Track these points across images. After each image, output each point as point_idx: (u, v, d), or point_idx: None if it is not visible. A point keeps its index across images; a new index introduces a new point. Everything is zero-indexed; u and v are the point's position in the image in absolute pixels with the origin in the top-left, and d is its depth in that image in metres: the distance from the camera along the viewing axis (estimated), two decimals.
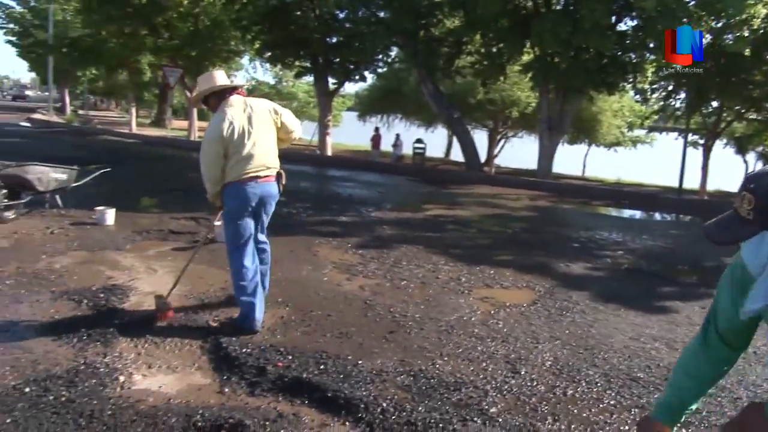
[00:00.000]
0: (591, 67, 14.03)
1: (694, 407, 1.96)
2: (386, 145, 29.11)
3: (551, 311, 5.44)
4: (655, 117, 22.77)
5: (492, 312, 5.32)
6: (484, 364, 4.16)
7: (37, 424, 3.09)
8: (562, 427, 3.35)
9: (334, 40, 19.24)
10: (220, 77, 4.70)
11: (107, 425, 3.11)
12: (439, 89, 17.13)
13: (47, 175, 7.99)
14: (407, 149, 27.45)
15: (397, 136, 28.54)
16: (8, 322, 4.46)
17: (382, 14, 16.85)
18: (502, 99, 24.55)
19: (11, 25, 37.17)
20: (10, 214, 7.74)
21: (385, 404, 3.47)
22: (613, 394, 3.81)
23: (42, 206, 8.44)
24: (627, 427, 3.42)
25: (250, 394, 3.62)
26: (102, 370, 3.76)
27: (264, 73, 41.11)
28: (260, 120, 4.56)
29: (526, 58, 16.03)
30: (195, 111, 27.59)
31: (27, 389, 3.45)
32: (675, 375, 1.97)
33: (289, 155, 22.29)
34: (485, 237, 9.04)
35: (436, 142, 33.25)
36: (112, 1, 20.58)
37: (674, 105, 19.99)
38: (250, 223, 4.64)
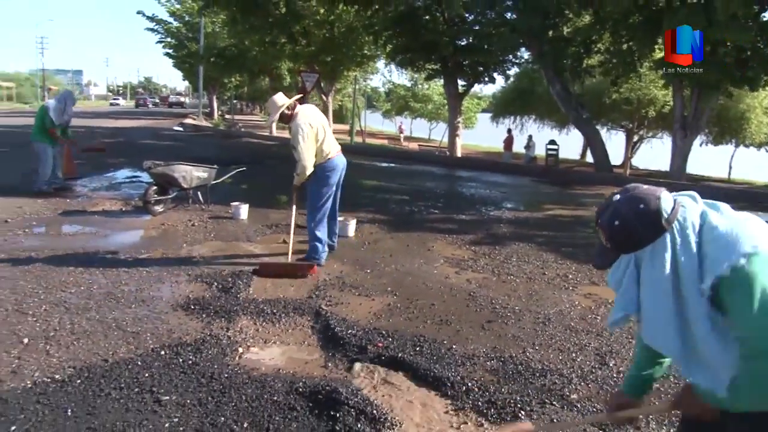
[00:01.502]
0: (728, 62, 13.30)
1: (658, 375, 2.09)
2: (519, 147, 28.94)
3: None
4: None
5: (592, 308, 5.40)
6: (573, 355, 4.30)
7: (168, 380, 3.64)
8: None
9: (463, 42, 19.46)
10: (281, 99, 6.29)
11: (223, 385, 3.59)
12: (567, 89, 16.85)
13: (190, 174, 8.84)
14: (540, 151, 27.13)
15: (530, 137, 28.28)
16: (151, 298, 5.14)
17: (509, 15, 16.86)
18: (637, 98, 23.71)
19: (169, 39, 40.37)
20: (159, 208, 8.67)
21: (470, 384, 3.72)
22: None
23: (186, 201, 9.35)
24: None
25: (350, 369, 4.00)
26: (224, 341, 4.29)
27: (399, 75, 41.91)
28: (322, 116, 6.46)
29: (658, 54, 15.44)
30: (331, 114, 28.78)
31: (162, 352, 4.03)
32: (636, 350, 2.13)
33: (418, 156, 22.84)
34: None
35: (571, 143, 32.57)
36: (255, 12, 21.91)
37: None
38: (332, 190, 6.43)
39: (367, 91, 49.89)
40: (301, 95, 7.12)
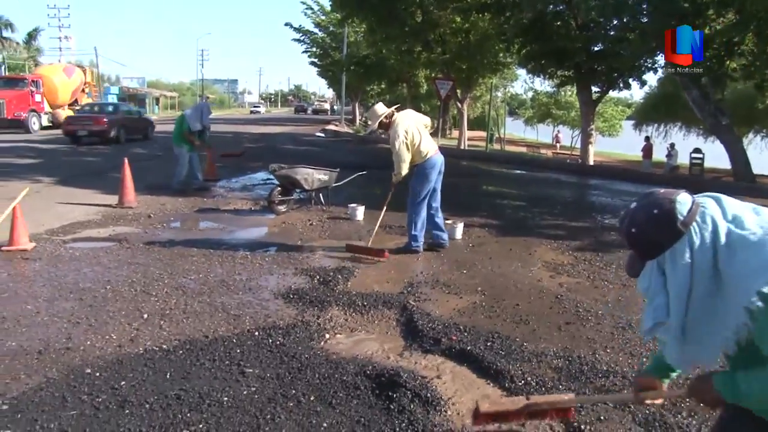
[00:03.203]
0: None
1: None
2: (662, 156, 27.67)
3: None
4: None
5: None
6: (644, 359, 4.31)
7: (256, 356, 4.12)
8: (693, 422, 3.47)
9: (597, 48, 19.00)
10: (381, 108, 7.14)
11: (302, 363, 4.02)
12: (705, 94, 16.00)
13: (312, 176, 9.48)
14: (684, 159, 25.77)
15: (671, 145, 26.98)
16: (258, 287, 5.72)
17: (644, 19, 16.24)
18: None
19: (314, 49, 42.45)
20: (282, 208, 9.38)
21: (529, 379, 3.90)
22: None
23: (308, 202, 10.02)
24: None
25: (422, 358, 4.29)
26: (313, 327, 4.74)
27: (542, 83, 40.66)
28: (418, 121, 7.09)
29: None
30: (465, 121, 28.99)
31: (256, 333, 4.54)
32: None
33: (549, 164, 22.55)
34: None
35: (721, 152, 30.68)
36: (391, 22, 22.62)
37: None
38: (431, 185, 7.01)
39: (506, 99, 49.58)
40: (398, 105, 7.64)
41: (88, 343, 4.25)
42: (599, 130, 45.48)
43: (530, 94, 48.97)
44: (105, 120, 21.96)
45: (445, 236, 7.43)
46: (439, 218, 7.37)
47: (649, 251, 1.76)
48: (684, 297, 1.71)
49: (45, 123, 29.85)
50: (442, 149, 7.39)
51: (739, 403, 1.75)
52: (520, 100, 59.23)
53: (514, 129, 64.42)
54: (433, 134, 33.28)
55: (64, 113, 30.26)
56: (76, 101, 32.88)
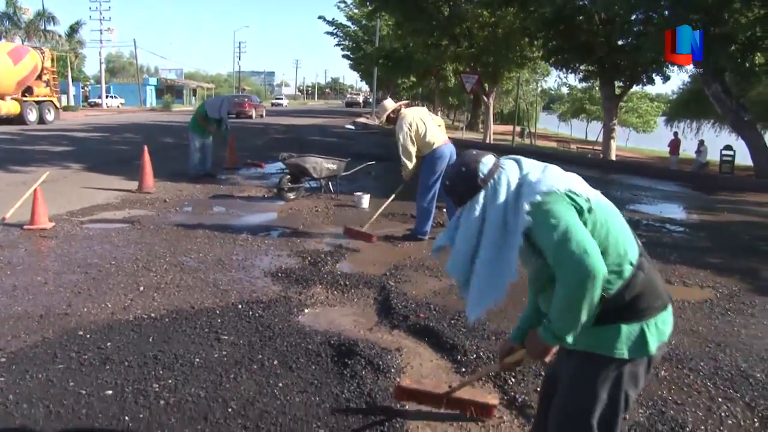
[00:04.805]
0: None
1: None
2: (691, 152, 27.45)
3: (715, 310, 5.40)
4: None
5: None
6: None
7: (234, 325, 4.53)
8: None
9: (619, 42, 18.97)
10: (389, 103, 7.65)
11: (274, 333, 4.41)
12: (727, 90, 15.91)
13: (320, 165, 9.87)
14: (714, 156, 25.52)
15: (701, 142, 26.77)
16: (251, 266, 6.13)
17: (666, 13, 16.15)
18: None
19: (346, 42, 42.95)
20: (291, 195, 9.79)
21: (481, 353, 4.21)
22: (709, 383, 3.92)
23: (319, 190, 10.42)
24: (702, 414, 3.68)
25: (389, 333, 4.64)
26: (294, 302, 5.12)
27: (575, 78, 39.88)
28: (424, 115, 7.33)
29: None
30: (491, 115, 29.11)
31: (239, 306, 4.95)
32: (528, 305, 2.51)
33: (571, 158, 22.59)
34: (710, 241, 8.59)
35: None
36: (419, 16, 22.89)
37: None
38: (438, 175, 7.15)
39: (537, 94, 49.29)
40: (408, 101, 7.97)
41: (85, 310, 4.71)
42: (633, 126, 45.22)
43: (564, 89, 48.80)
44: (247, 105, 38.00)
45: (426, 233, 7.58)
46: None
47: (458, 200, 2.21)
48: (472, 235, 2.15)
49: None
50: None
51: (560, 341, 2.05)
52: (552, 95, 58.86)
53: (549, 124, 64.06)
54: (467, 127, 33.24)
55: (6, 105, 24.79)
56: (30, 90, 26.41)
